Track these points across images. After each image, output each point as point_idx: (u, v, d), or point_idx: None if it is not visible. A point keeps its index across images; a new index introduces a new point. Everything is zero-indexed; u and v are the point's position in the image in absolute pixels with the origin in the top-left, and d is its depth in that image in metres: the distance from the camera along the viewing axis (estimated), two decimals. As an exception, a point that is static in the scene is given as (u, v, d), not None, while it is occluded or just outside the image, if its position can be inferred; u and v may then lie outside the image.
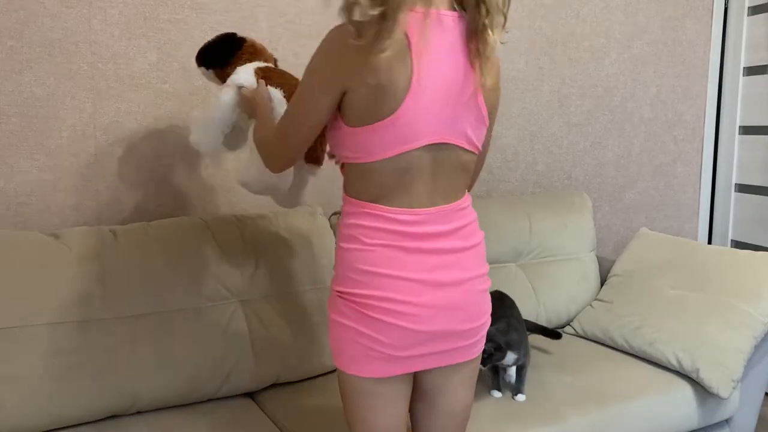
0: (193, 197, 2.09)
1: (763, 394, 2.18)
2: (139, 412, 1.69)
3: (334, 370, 1.95)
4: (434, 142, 1.18)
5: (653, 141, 3.02)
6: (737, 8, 3.03)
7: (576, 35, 2.74)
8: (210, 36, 1.74)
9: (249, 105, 1.53)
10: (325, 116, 1.19)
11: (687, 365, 1.96)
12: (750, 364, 2.04)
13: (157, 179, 2.03)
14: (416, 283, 1.19)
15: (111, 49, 1.92)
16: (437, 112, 1.16)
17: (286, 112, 1.27)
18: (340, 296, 1.23)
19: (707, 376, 1.93)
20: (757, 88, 2.97)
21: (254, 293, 1.85)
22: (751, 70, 3.00)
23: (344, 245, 1.22)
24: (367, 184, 1.20)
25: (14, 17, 1.80)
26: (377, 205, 1.20)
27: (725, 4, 3.07)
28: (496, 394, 1.83)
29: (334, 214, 2.11)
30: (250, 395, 1.85)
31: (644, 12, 2.90)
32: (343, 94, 1.15)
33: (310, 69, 1.19)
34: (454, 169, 1.23)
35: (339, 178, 2.11)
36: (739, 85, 3.04)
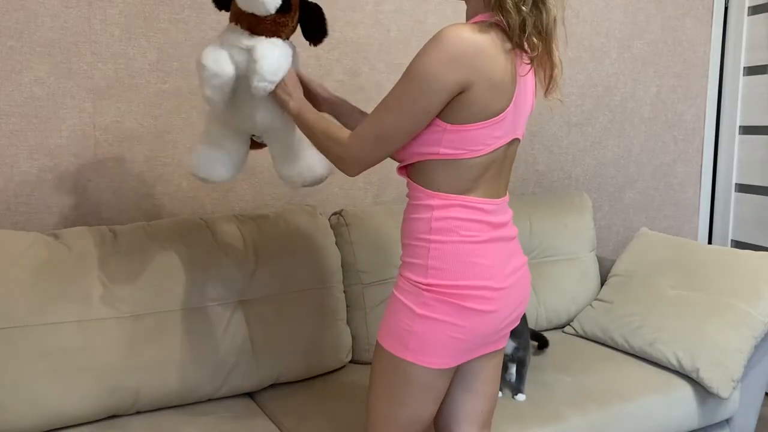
0: (194, 197, 2.09)
1: (763, 394, 2.18)
2: (139, 412, 1.69)
3: (334, 370, 1.96)
4: (515, 137, 1.26)
5: (653, 141, 3.02)
6: (737, 8, 3.02)
7: (576, 35, 2.74)
8: (210, 36, 1.69)
9: (287, 88, 1.40)
10: (434, 117, 1.18)
11: (687, 365, 1.96)
12: (750, 364, 2.04)
13: (156, 179, 2.03)
14: (500, 270, 1.25)
15: (111, 49, 1.92)
16: (522, 108, 1.25)
17: (383, 117, 1.20)
18: (428, 289, 1.22)
19: (707, 376, 1.93)
20: (757, 88, 2.97)
21: (254, 293, 1.85)
22: (751, 70, 3.00)
23: (439, 238, 1.22)
24: (456, 180, 1.22)
25: (14, 17, 1.80)
26: (467, 196, 1.23)
27: (725, 4, 3.07)
28: (496, 394, 1.83)
29: (334, 214, 2.11)
30: (250, 395, 1.85)
31: (644, 12, 2.90)
32: (459, 92, 1.16)
33: (424, 71, 1.15)
34: (512, 162, 1.31)
35: (339, 178, 2.08)
36: (739, 85, 3.04)
